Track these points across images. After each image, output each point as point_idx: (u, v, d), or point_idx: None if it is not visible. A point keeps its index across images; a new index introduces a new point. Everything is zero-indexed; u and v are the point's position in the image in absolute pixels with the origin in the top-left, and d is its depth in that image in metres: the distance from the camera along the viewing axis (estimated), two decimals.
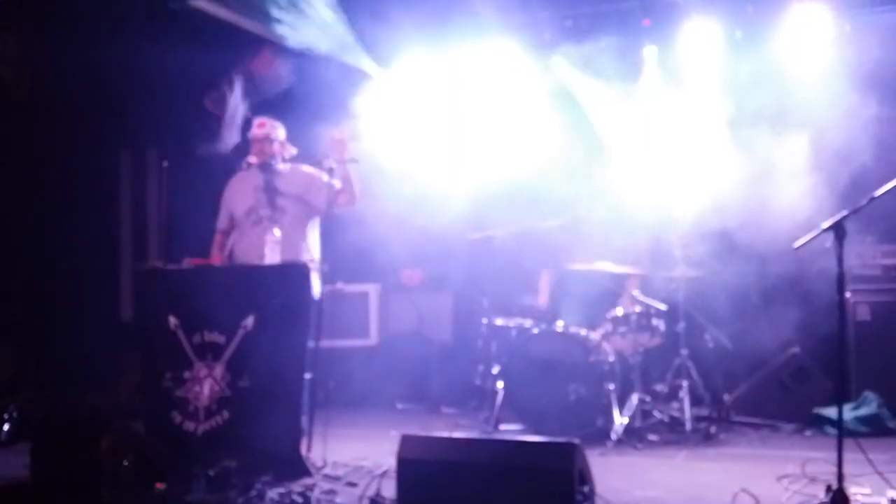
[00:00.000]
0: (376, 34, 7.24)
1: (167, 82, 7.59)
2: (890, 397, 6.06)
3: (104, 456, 4.19)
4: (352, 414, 6.82)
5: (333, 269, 5.46)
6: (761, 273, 6.67)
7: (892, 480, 4.24)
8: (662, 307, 6.16)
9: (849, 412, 5.88)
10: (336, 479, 4.65)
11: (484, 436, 5.76)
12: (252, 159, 5.37)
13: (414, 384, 7.54)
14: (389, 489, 4.06)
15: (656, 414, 6.08)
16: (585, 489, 3.67)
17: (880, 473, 4.28)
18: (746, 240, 6.47)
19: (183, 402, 4.93)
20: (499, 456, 3.80)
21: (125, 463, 4.28)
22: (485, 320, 6.46)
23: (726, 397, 6.47)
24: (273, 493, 4.27)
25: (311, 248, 5.45)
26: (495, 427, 6.04)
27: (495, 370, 6.23)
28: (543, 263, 6.77)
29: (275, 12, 6.70)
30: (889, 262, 6.48)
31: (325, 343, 5.00)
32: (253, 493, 4.24)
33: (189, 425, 4.90)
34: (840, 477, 3.77)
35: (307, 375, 4.85)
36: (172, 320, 5.03)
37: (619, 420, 5.67)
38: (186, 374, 4.95)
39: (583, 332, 5.99)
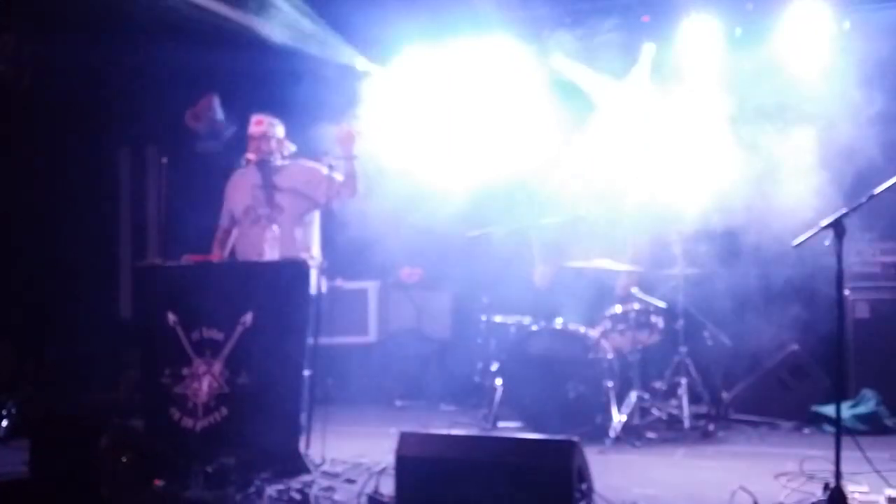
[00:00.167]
0: (375, 31, 7.25)
1: (166, 79, 7.59)
2: (888, 395, 6.07)
3: (103, 453, 4.19)
4: (350, 411, 6.82)
5: (332, 267, 5.46)
6: (760, 271, 6.67)
7: (890, 479, 4.24)
8: (661, 305, 6.16)
9: (847, 410, 5.89)
10: (335, 475, 4.65)
11: (482, 433, 5.77)
12: (250, 156, 5.36)
13: (413, 381, 7.55)
14: (388, 486, 4.06)
15: (655, 412, 6.08)
16: (584, 487, 3.68)
17: (878, 472, 4.29)
18: (745, 237, 6.48)
19: (181, 399, 4.93)
20: (497, 453, 3.80)
21: (124, 460, 4.28)
22: (484, 318, 6.46)
23: (725, 395, 6.48)
24: (272, 490, 4.27)
25: (312, 245, 5.44)
26: (494, 424, 6.04)
27: (494, 367, 6.23)
28: (542, 260, 6.77)
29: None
30: (888, 259, 6.48)
31: (324, 340, 4.99)
32: (251, 489, 4.24)
33: (188, 422, 4.90)
34: (838, 475, 3.77)
35: (306, 372, 4.85)
36: (171, 317, 5.03)
37: (618, 418, 5.67)
38: (185, 371, 4.95)
39: (581, 329, 5.99)
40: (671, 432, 5.94)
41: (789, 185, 6.12)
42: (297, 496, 4.22)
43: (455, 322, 7.71)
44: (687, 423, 5.93)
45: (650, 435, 5.81)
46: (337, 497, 4.30)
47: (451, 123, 7.57)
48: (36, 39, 7.28)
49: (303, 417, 4.83)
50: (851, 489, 4.01)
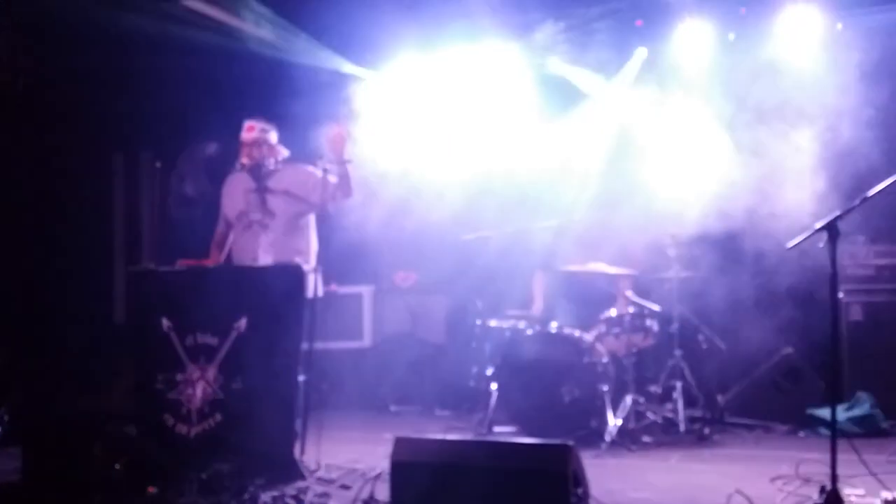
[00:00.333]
0: (368, 36, 7.25)
1: (160, 84, 7.58)
2: (883, 397, 6.07)
3: (96, 459, 4.17)
4: (345, 416, 6.80)
5: (327, 271, 5.45)
6: (755, 274, 6.67)
7: (886, 481, 4.24)
8: (656, 308, 6.16)
9: (842, 413, 5.89)
10: (329, 481, 4.63)
11: (478, 438, 5.76)
12: (244, 160, 5.35)
13: (407, 386, 7.53)
14: (383, 492, 4.05)
15: (650, 415, 6.08)
16: (579, 491, 3.67)
17: (874, 474, 4.28)
18: (740, 241, 6.49)
19: (175, 405, 4.92)
20: (493, 458, 3.79)
21: (117, 466, 4.26)
22: (478, 322, 6.45)
23: (720, 398, 6.47)
24: (266, 496, 4.25)
25: (308, 250, 5.42)
26: (489, 429, 6.03)
27: (489, 372, 6.22)
28: (537, 265, 6.76)
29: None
30: (882, 262, 6.49)
31: (319, 345, 4.98)
32: (246, 496, 4.22)
33: (182, 428, 4.88)
34: (834, 478, 3.77)
35: (300, 377, 4.83)
36: (165, 322, 5.02)
37: (613, 421, 5.67)
38: (179, 377, 4.93)
39: (576, 333, 5.98)
40: (667, 436, 5.94)
41: (784, 189, 6.13)
42: (292, 502, 4.21)
43: (450, 326, 7.70)
44: (682, 427, 5.93)
45: (646, 439, 5.81)
46: (332, 503, 4.29)
47: (445, 127, 7.58)
48: (30, 44, 7.26)
49: (297, 423, 4.82)
50: (847, 492, 4.01)
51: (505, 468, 3.69)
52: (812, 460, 4.70)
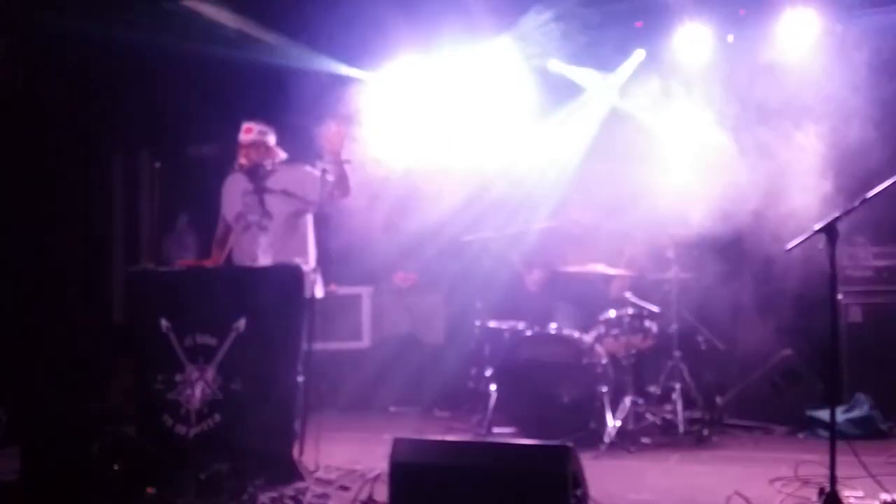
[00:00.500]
0: (369, 38, 7.26)
1: (160, 85, 7.58)
2: (882, 399, 6.07)
3: (95, 460, 4.16)
4: (344, 417, 6.81)
5: (326, 272, 5.44)
6: (754, 275, 6.68)
7: (885, 483, 4.24)
8: (655, 309, 6.16)
9: (841, 414, 5.89)
10: (328, 482, 4.63)
11: (477, 439, 5.76)
12: (242, 161, 5.35)
13: (406, 387, 7.53)
14: (382, 493, 4.05)
15: (649, 416, 6.07)
16: (578, 492, 3.66)
17: (873, 476, 4.28)
18: (739, 242, 6.49)
19: (174, 406, 4.91)
20: (492, 459, 3.79)
21: (116, 467, 4.26)
22: (477, 323, 6.45)
23: (719, 400, 6.47)
24: (265, 497, 4.25)
25: (306, 251, 5.41)
26: (488, 430, 6.03)
27: (488, 373, 6.22)
28: (536, 265, 6.77)
29: None
30: (881, 263, 6.49)
31: (318, 346, 4.98)
32: (245, 496, 4.22)
33: (180, 428, 4.88)
34: (833, 479, 3.77)
35: (299, 378, 4.83)
36: (164, 323, 5.01)
37: (612, 423, 5.67)
38: (178, 377, 4.93)
39: (575, 334, 5.98)
40: (666, 437, 5.94)
41: (783, 190, 6.13)
42: (291, 503, 4.20)
43: (449, 327, 7.70)
44: (681, 428, 5.92)
45: (644, 440, 5.81)
46: None
47: (444, 128, 7.59)
48: (29, 45, 7.27)
49: (296, 424, 4.81)
50: (846, 494, 4.01)
51: (504, 469, 3.68)
52: (811, 462, 4.69)
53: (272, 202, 5.33)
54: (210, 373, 4.85)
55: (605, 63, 7.46)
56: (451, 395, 7.16)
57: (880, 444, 5.58)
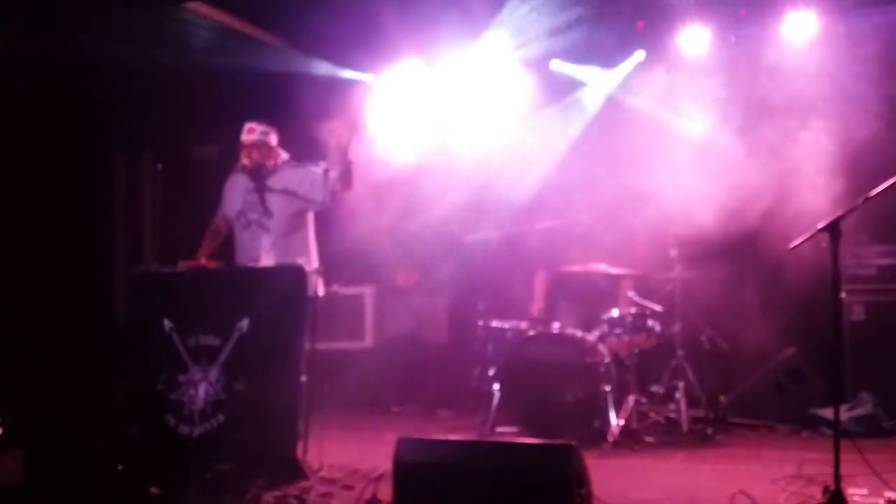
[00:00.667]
0: (372, 38, 7.27)
1: (162, 85, 7.58)
2: (885, 397, 6.06)
3: (99, 460, 4.17)
4: (347, 417, 6.79)
5: (329, 272, 5.45)
6: (756, 273, 6.67)
7: (889, 481, 4.23)
8: (658, 308, 6.16)
9: (845, 413, 5.88)
10: (332, 482, 4.63)
11: (480, 438, 5.76)
12: (245, 161, 5.35)
13: (410, 387, 7.53)
14: (386, 492, 4.05)
15: (653, 415, 6.07)
16: (582, 491, 3.66)
17: (877, 474, 4.28)
18: (742, 241, 6.48)
19: (178, 406, 4.91)
20: (495, 459, 3.79)
21: (120, 467, 4.26)
22: (481, 322, 6.45)
23: (722, 398, 6.46)
24: (269, 497, 4.25)
25: (308, 250, 5.42)
26: (492, 430, 6.03)
27: (491, 372, 6.22)
28: (539, 265, 6.76)
29: None
30: (884, 262, 6.48)
31: (321, 346, 4.98)
32: (248, 496, 4.22)
33: (184, 429, 4.88)
34: (837, 478, 3.77)
35: (303, 378, 4.83)
36: (167, 323, 5.01)
37: (616, 422, 5.66)
38: (181, 378, 4.93)
39: (578, 333, 5.98)
40: (669, 436, 5.93)
41: (786, 189, 6.13)
42: (295, 502, 4.21)
43: (452, 327, 7.70)
44: (685, 427, 5.92)
45: (648, 439, 5.81)
46: (334, 503, 4.28)
47: (447, 128, 7.59)
48: (30, 44, 7.27)
49: (300, 423, 4.81)
50: (851, 492, 4.00)
51: (507, 469, 3.69)
52: (815, 460, 4.70)
53: (273, 201, 5.34)
54: (213, 373, 4.86)
55: (607, 63, 7.46)
56: (455, 395, 7.16)
57: (884, 442, 5.58)
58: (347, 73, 7.55)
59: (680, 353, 6.17)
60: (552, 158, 7.38)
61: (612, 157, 7.03)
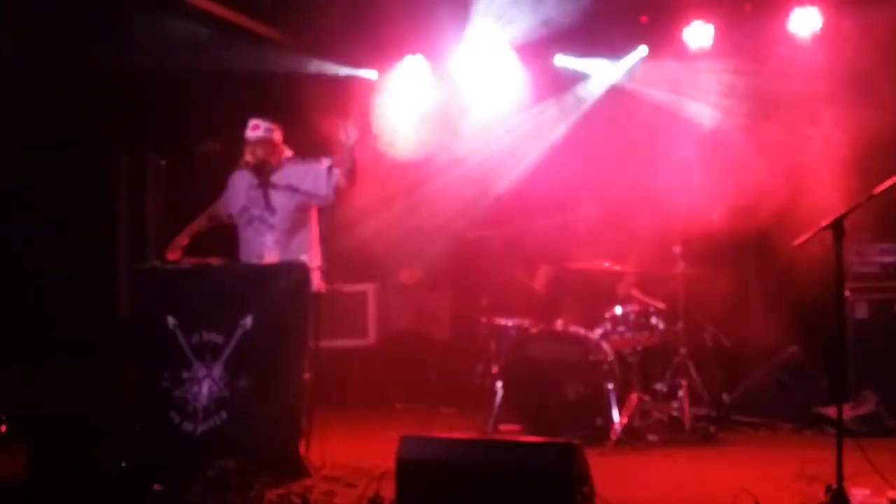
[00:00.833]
0: (377, 33, 7.26)
1: (166, 81, 7.58)
2: (888, 396, 6.06)
3: (102, 457, 4.17)
4: (350, 414, 6.81)
5: (332, 269, 5.45)
6: (760, 271, 6.66)
7: (892, 480, 4.23)
8: (661, 306, 6.15)
9: (848, 411, 5.87)
10: (335, 479, 4.64)
11: (483, 436, 5.76)
12: (248, 158, 5.35)
13: (412, 384, 7.54)
14: (389, 490, 4.05)
15: (655, 413, 6.07)
16: (585, 489, 3.66)
17: (880, 473, 4.27)
18: (745, 238, 6.48)
19: (181, 403, 4.91)
20: (498, 456, 3.79)
21: (123, 464, 4.27)
22: (483, 319, 6.45)
23: (725, 397, 6.46)
24: (272, 494, 4.25)
25: (310, 247, 5.42)
26: (494, 427, 6.03)
27: (494, 370, 6.22)
28: (542, 262, 6.76)
29: None
30: (887, 259, 6.47)
31: (324, 343, 4.98)
32: (252, 493, 4.22)
33: (187, 426, 4.88)
34: (840, 476, 3.76)
35: (306, 375, 4.84)
36: (170, 320, 5.01)
37: (619, 420, 5.66)
38: (185, 375, 4.93)
39: (581, 331, 5.98)
40: (672, 434, 5.93)
41: (791, 186, 6.12)
42: (298, 500, 4.21)
43: (455, 324, 7.70)
44: (688, 425, 5.92)
45: (651, 437, 5.81)
46: (337, 501, 4.29)
47: (450, 125, 7.59)
48: (32, 39, 7.27)
49: (303, 421, 4.82)
50: (853, 491, 3.99)
51: (510, 467, 3.69)
52: (817, 459, 4.68)
53: (277, 197, 5.34)
54: (217, 370, 4.86)
55: (611, 58, 7.45)
56: (457, 392, 7.16)
57: (887, 441, 5.57)
58: (351, 71, 7.55)
59: (683, 351, 6.17)
60: (555, 155, 7.37)
61: (615, 154, 7.02)
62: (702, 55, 7.10)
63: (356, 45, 7.41)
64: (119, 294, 8.54)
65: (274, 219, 5.32)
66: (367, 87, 7.56)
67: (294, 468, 4.63)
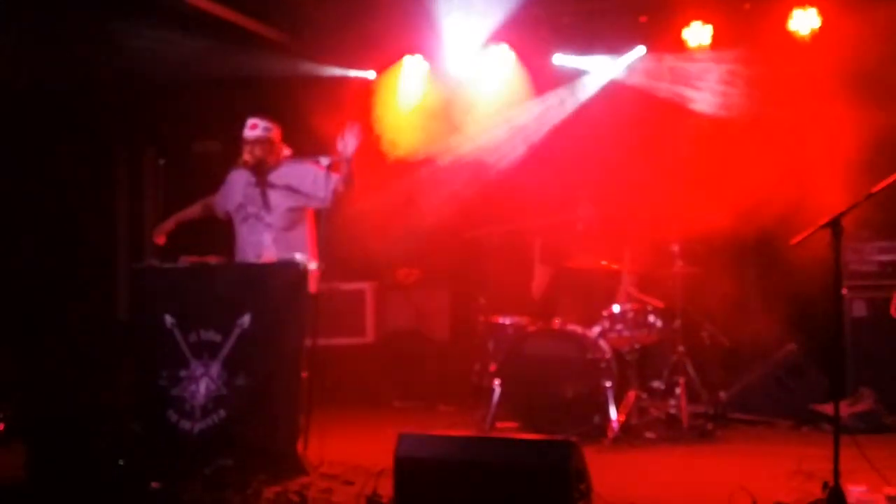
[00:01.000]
0: (375, 36, 7.27)
1: (164, 81, 7.58)
2: (886, 393, 6.07)
3: (100, 455, 4.18)
4: (348, 412, 6.81)
5: (329, 267, 5.45)
6: (757, 269, 6.67)
7: (889, 477, 4.24)
8: (659, 304, 6.16)
9: (845, 409, 5.88)
10: (333, 477, 4.64)
11: (481, 434, 5.76)
12: (246, 157, 5.35)
13: (410, 382, 7.54)
14: (386, 488, 4.05)
15: (653, 411, 6.08)
16: (582, 487, 3.67)
17: (877, 470, 4.28)
18: (743, 237, 6.48)
19: (179, 401, 4.91)
20: (496, 454, 3.80)
21: (120, 462, 4.27)
22: (481, 318, 6.45)
23: (723, 394, 6.47)
24: (269, 492, 4.26)
25: (308, 246, 5.42)
26: (492, 425, 6.03)
27: (492, 368, 6.22)
28: (539, 260, 6.77)
29: None
30: (885, 258, 6.48)
31: (322, 341, 4.98)
32: (249, 491, 4.23)
33: (185, 424, 4.88)
34: (837, 474, 3.77)
35: (303, 374, 4.84)
36: (168, 319, 5.02)
37: (616, 418, 5.67)
38: (182, 373, 4.94)
39: (579, 329, 5.98)
40: (670, 432, 5.93)
41: (788, 185, 6.12)
42: (296, 498, 4.21)
43: (453, 322, 7.71)
44: (685, 423, 5.92)
45: (649, 435, 5.81)
46: (335, 499, 4.29)
47: (449, 124, 7.60)
48: (32, 39, 7.27)
49: (300, 419, 4.82)
50: (850, 488, 4.00)
51: (508, 464, 3.69)
52: (815, 456, 4.69)
53: (274, 196, 5.34)
54: (215, 369, 4.87)
55: (609, 57, 7.46)
56: (455, 391, 7.17)
57: (884, 438, 5.58)
58: (349, 71, 7.55)
59: (680, 348, 6.17)
60: (553, 153, 7.37)
61: (614, 153, 7.03)
62: (701, 53, 7.10)
63: (354, 46, 7.42)
64: (117, 293, 8.55)
65: (270, 217, 5.32)
66: (366, 87, 7.56)
67: (292, 466, 4.64)
